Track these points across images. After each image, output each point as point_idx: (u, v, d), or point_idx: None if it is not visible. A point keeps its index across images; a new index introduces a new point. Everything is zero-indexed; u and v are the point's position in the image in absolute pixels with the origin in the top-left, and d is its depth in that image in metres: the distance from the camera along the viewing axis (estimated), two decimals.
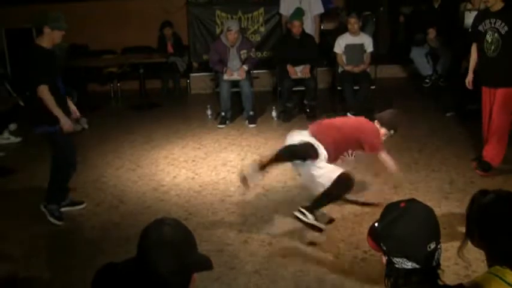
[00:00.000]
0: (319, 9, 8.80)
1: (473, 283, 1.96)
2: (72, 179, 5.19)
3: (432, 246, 1.81)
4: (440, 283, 1.86)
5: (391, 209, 1.89)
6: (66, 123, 4.74)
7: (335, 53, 8.00)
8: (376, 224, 1.91)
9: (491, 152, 5.61)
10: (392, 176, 5.02)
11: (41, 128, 4.82)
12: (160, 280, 1.75)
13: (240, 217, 5.01)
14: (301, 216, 4.62)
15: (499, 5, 5.26)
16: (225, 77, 7.74)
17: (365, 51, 7.86)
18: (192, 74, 9.81)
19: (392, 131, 4.89)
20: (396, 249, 1.82)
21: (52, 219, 4.97)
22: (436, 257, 1.83)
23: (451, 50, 8.51)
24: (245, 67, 7.76)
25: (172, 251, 1.77)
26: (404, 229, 1.81)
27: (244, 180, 4.56)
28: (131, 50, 9.79)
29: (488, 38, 5.33)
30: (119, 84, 9.61)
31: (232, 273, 4.11)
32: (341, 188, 4.52)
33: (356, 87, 7.75)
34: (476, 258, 3.90)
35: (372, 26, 9.52)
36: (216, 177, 5.93)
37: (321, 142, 4.57)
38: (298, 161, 4.65)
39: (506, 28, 5.21)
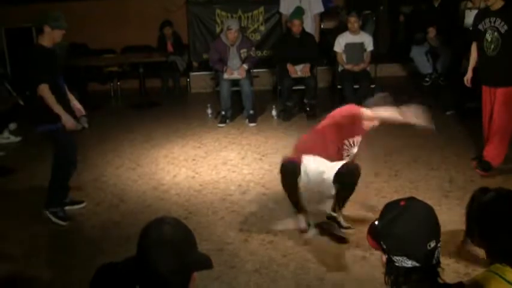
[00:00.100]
0: (319, 8, 8.80)
1: (474, 281, 1.96)
2: (72, 178, 5.18)
3: (432, 244, 1.81)
4: (440, 281, 1.86)
5: (390, 208, 1.89)
6: (68, 121, 4.74)
7: (335, 52, 8.01)
8: (376, 223, 1.91)
9: (493, 152, 5.60)
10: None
11: (42, 126, 4.83)
12: (160, 279, 1.75)
13: (240, 216, 5.01)
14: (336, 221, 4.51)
15: (499, 4, 5.25)
16: (225, 76, 7.74)
17: (365, 50, 7.86)
18: (192, 73, 9.81)
19: None
20: (396, 247, 1.82)
21: (57, 221, 4.95)
22: (436, 255, 1.83)
23: (451, 49, 8.52)
24: (245, 66, 7.76)
25: (172, 250, 1.77)
26: (404, 227, 1.81)
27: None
28: (131, 49, 9.79)
29: (488, 36, 5.32)
30: (118, 83, 9.61)
31: (232, 272, 4.11)
32: (349, 176, 4.39)
33: (356, 86, 7.76)
34: (476, 256, 3.91)
35: (372, 25, 9.51)
36: (216, 176, 5.93)
37: (314, 154, 4.46)
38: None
39: (505, 27, 5.20)
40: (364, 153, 4.92)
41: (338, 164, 4.41)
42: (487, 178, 5.50)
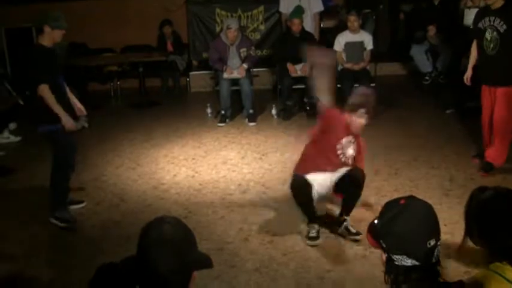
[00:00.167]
0: (319, 7, 8.80)
1: (473, 280, 1.96)
2: (72, 178, 5.17)
3: (432, 243, 1.81)
4: (440, 280, 1.86)
5: (390, 206, 1.89)
6: (67, 122, 4.72)
7: (335, 51, 7.99)
8: (375, 221, 1.91)
9: (494, 153, 5.58)
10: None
11: (42, 127, 4.81)
12: (160, 279, 1.75)
13: (240, 215, 5.01)
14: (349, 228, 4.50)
15: (499, 3, 5.22)
16: (225, 75, 7.74)
17: (365, 49, 7.86)
18: (191, 73, 9.81)
19: (362, 110, 4.33)
20: (396, 246, 1.82)
21: (65, 224, 4.90)
22: (435, 253, 1.83)
23: (451, 47, 8.52)
24: (245, 65, 7.76)
25: (172, 249, 1.77)
26: (404, 226, 1.81)
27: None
28: (131, 48, 9.79)
29: (488, 35, 5.31)
30: (118, 83, 9.61)
31: (232, 272, 4.11)
32: (354, 185, 4.39)
33: (356, 85, 7.74)
34: (476, 255, 3.91)
35: (372, 24, 9.51)
36: (216, 176, 5.93)
37: (315, 171, 4.41)
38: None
39: (505, 27, 5.18)
40: (364, 152, 4.92)
41: (340, 172, 4.41)
42: (486, 177, 5.51)
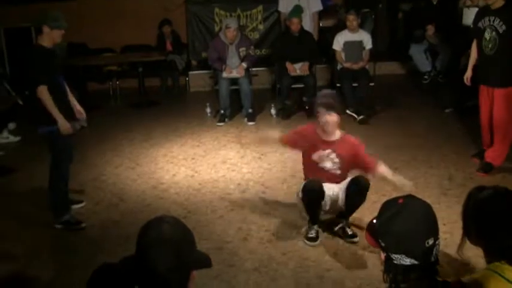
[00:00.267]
0: (318, 6, 8.81)
1: (473, 280, 1.96)
2: (71, 178, 5.16)
3: (430, 242, 1.81)
4: (439, 279, 1.86)
5: (389, 206, 1.90)
6: (63, 125, 4.65)
7: (334, 50, 8.01)
8: (374, 221, 1.91)
9: (494, 153, 5.58)
10: None
11: (41, 128, 4.78)
12: (159, 278, 1.75)
13: (239, 215, 5.02)
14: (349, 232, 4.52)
15: (499, 3, 5.21)
16: (224, 74, 7.74)
17: (364, 48, 7.86)
18: (191, 72, 9.81)
19: (324, 109, 4.39)
20: (394, 245, 1.82)
21: (74, 227, 4.88)
22: (434, 253, 1.83)
23: (450, 47, 8.53)
24: (244, 65, 7.76)
25: (171, 249, 1.77)
26: (402, 225, 1.82)
27: None
28: (130, 48, 9.79)
29: (487, 35, 5.30)
30: (118, 83, 9.61)
31: (231, 271, 4.11)
32: (359, 195, 4.40)
33: (355, 84, 7.75)
34: (475, 254, 3.91)
35: (371, 23, 9.51)
36: (215, 175, 5.93)
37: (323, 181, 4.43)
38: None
39: (504, 27, 5.17)
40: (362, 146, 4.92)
41: (344, 183, 4.42)
42: (485, 176, 5.51)
